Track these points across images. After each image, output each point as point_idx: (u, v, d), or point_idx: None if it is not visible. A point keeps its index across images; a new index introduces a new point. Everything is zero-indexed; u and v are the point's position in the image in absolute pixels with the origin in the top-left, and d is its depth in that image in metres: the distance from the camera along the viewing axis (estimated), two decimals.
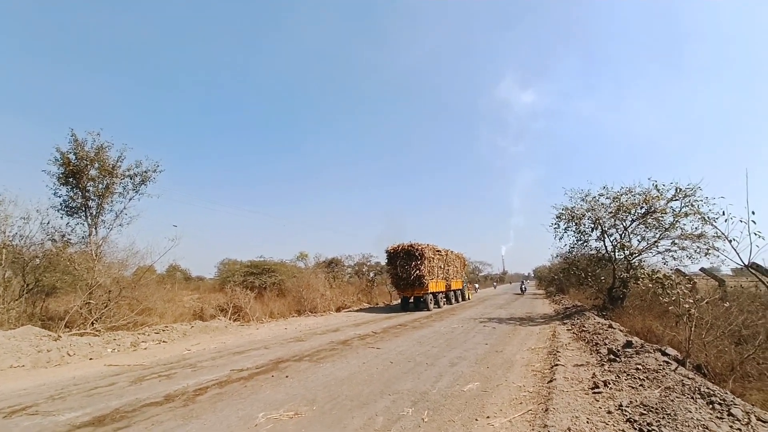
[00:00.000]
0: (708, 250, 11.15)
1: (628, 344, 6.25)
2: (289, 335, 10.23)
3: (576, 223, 13.82)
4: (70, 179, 10.87)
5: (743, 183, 5.89)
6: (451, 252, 21.71)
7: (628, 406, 3.58)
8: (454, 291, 21.98)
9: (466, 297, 25.29)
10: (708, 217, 10.22)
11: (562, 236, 14.26)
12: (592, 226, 13.44)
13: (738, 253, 6.75)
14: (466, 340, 8.79)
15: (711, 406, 3.43)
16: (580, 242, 14.21)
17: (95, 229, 11.29)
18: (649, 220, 12.19)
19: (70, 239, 11.02)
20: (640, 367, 4.90)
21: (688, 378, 4.27)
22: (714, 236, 10.63)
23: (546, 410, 3.69)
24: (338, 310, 18.29)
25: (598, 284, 14.98)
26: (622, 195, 12.61)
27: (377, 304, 22.87)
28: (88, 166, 10.88)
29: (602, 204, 13.13)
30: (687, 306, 5.74)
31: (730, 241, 6.91)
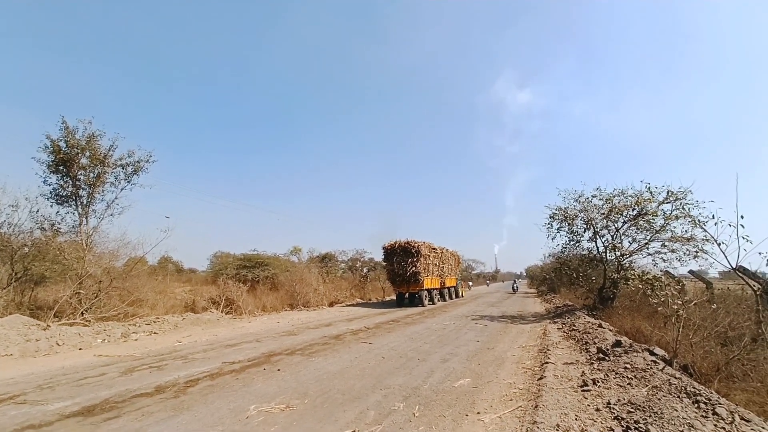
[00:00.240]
0: (697, 252, 11.32)
1: (617, 344, 6.34)
2: (281, 329, 10.22)
3: (569, 224, 13.94)
4: (61, 167, 10.69)
5: (734, 187, 5.98)
6: (446, 250, 21.96)
7: (616, 404, 3.64)
8: (448, 288, 22.25)
9: (460, 294, 25.59)
10: (698, 220, 10.37)
11: (555, 236, 14.42)
12: (585, 226, 13.57)
13: (726, 256, 6.87)
14: (458, 336, 8.85)
15: (696, 405, 3.50)
16: (572, 242, 14.35)
17: (86, 218, 11.13)
18: (641, 222, 12.34)
19: (59, 228, 10.86)
20: (628, 366, 4.98)
21: (675, 377, 4.35)
22: (703, 239, 10.80)
23: (536, 407, 3.74)
24: (331, 304, 18.31)
25: (588, 284, 15.15)
26: (614, 197, 12.74)
27: (370, 299, 22.92)
28: (79, 155, 10.70)
29: (595, 205, 13.26)
30: (675, 307, 5.83)
31: (719, 245, 7.03)
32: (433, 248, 19.60)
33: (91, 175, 11.02)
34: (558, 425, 3.22)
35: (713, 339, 5.91)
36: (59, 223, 10.89)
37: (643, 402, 3.59)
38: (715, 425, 3.08)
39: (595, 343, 6.89)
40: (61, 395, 4.36)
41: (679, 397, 3.71)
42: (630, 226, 12.67)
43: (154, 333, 9.04)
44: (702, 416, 3.25)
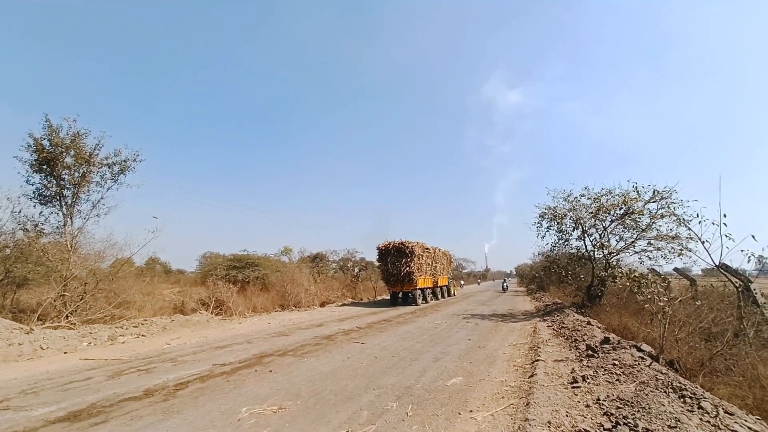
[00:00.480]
0: (681, 250, 11.58)
1: (606, 340, 6.45)
2: (272, 330, 10.14)
3: (558, 223, 14.14)
4: (44, 166, 10.40)
5: (717, 187, 6.14)
6: (439, 250, 22.24)
7: (605, 400, 3.70)
8: (441, 287, 22.62)
9: (452, 293, 25.91)
10: (683, 219, 10.61)
11: (545, 235, 14.62)
12: (573, 225, 13.77)
13: (710, 254, 7.06)
14: (450, 335, 8.90)
15: (682, 399, 3.58)
16: (561, 241, 14.56)
17: (70, 218, 10.86)
18: (627, 221, 12.58)
19: (43, 229, 10.58)
20: (616, 362, 5.07)
21: (662, 373, 4.45)
22: (688, 237, 11.06)
23: (527, 404, 3.78)
24: (322, 305, 18.23)
25: (577, 282, 15.39)
26: (602, 196, 12.96)
27: (362, 299, 22.89)
28: (64, 153, 10.43)
29: (583, 204, 13.47)
30: (662, 304, 5.97)
31: (702, 243, 7.22)
32: (426, 248, 19.88)
33: (76, 174, 10.75)
34: (549, 422, 3.26)
35: (698, 335, 6.06)
36: (42, 224, 10.60)
37: (632, 397, 3.66)
38: (701, 419, 3.15)
39: (584, 341, 6.99)
40: (46, 400, 4.25)
41: (665, 392, 3.79)
42: (617, 225, 12.91)
43: (142, 335, 8.88)
44: (688, 410, 3.33)
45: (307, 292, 17.39)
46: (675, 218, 11.10)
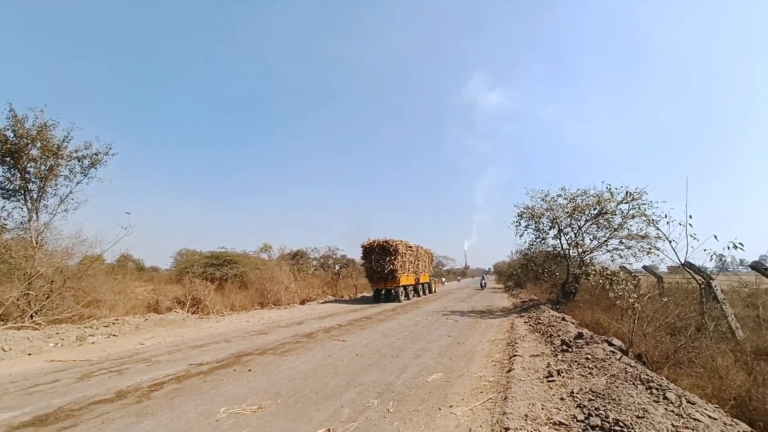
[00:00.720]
0: (650, 249, 12.13)
1: (579, 336, 6.70)
2: (251, 328, 9.98)
3: (536, 222, 14.53)
4: (7, 158, 9.82)
5: (684, 190, 6.46)
6: (421, 248, 22.78)
7: (578, 393, 3.85)
8: (422, 284, 23.20)
9: (433, 290, 26.49)
10: (652, 219, 11.12)
11: (523, 234, 14.99)
12: (550, 224, 14.19)
13: (676, 253, 7.44)
14: (430, 332, 9.01)
15: (649, 391, 3.77)
16: (538, 239, 14.97)
17: (36, 214, 10.32)
18: (601, 221, 13.06)
19: (5, 224, 10.01)
20: (589, 356, 5.28)
21: (631, 366, 4.66)
22: (656, 237, 11.59)
23: (505, 398, 3.89)
24: (303, 302, 18.06)
25: (553, 279, 15.88)
26: (578, 196, 13.39)
27: (342, 296, 22.82)
28: (29, 145, 9.88)
29: (560, 204, 13.89)
30: (632, 300, 6.24)
31: (670, 242, 7.59)
32: (409, 246, 20.39)
33: (43, 167, 10.21)
34: (526, 415, 3.37)
35: (664, 329, 6.37)
36: (5, 219, 10.05)
37: (603, 390, 3.82)
38: (666, 408, 3.33)
39: (559, 336, 7.23)
40: (9, 405, 4.04)
41: (634, 384, 3.98)
42: (591, 225, 13.38)
43: (114, 335, 8.55)
44: (654, 401, 3.51)
45: (287, 289, 17.19)
46: (645, 218, 11.62)
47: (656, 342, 5.90)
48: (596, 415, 3.22)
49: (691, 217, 7.00)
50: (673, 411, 3.27)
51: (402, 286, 18.90)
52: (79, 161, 10.79)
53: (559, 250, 14.40)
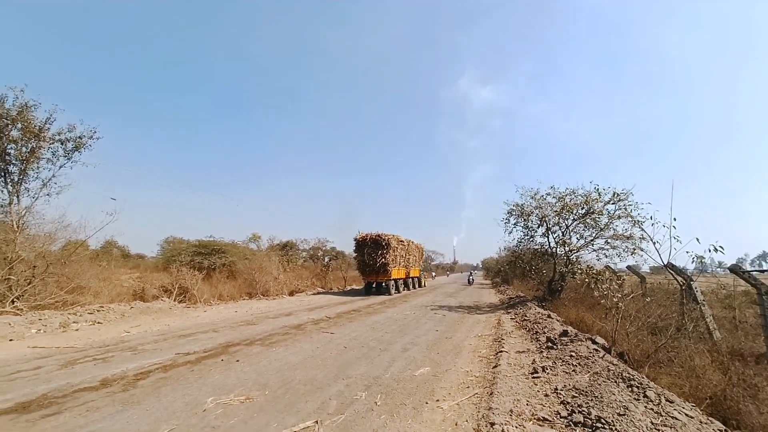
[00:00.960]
0: (635, 249, 12.40)
1: (564, 333, 6.84)
2: (239, 318, 9.93)
3: (525, 219, 14.68)
4: None
5: (669, 192, 6.61)
6: (412, 242, 23.06)
7: (562, 390, 3.94)
8: (412, 278, 23.54)
9: (422, 284, 26.83)
10: (637, 220, 11.35)
11: (512, 231, 15.14)
12: (539, 222, 14.36)
13: (660, 254, 7.63)
14: (418, 326, 9.09)
15: (630, 389, 3.89)
16: (527, 237, 15.14)
17: (17, 197, 10.01)
18: (588, 220, 13.26)
19: None
20: (573, 354, 5.40)
21: (613, 364, 4.79)
22: (640, 238, 11.84)
23: (491, 394, 3.96)
24: (291, 293, 18.03)
25: (539, 277, 16.13)
26: (566, 195, 13.56)
27: (331, 289, 22.85)
28: (9, 126, 9.55)
29: (549, 203, 14.05)
30: (616, 300, 6.39)
31: (654, 243, 7.78)
32: (401, 240, 20.61)
33: (24, 149, 9.89)
34: (512, 410, 3.44)
35: (645, 329, 6.56)
36: None
37: (586, 387, 3.92)
38: (646, 406, 3.43)
39: (544, 333, 7.37)
40: None
41: (616, 382, 4.09)
42: (579, 224, 13.58)
43: (98, 323, 8.42)
44: (635, 399, 3.62)
45: (276, 280, 17.12)
46: (630, 219, 11.84)
47: (638, 341, 6.07)
48: (579, 412, 3.31)
49: (675, 219, 7.18)
50: (652, 409, 3.38)
51: (393, 279, 19.22)
52: (62, 144, 10.50)
53: (546, 248, 14.61)
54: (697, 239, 6.89)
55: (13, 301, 8.31)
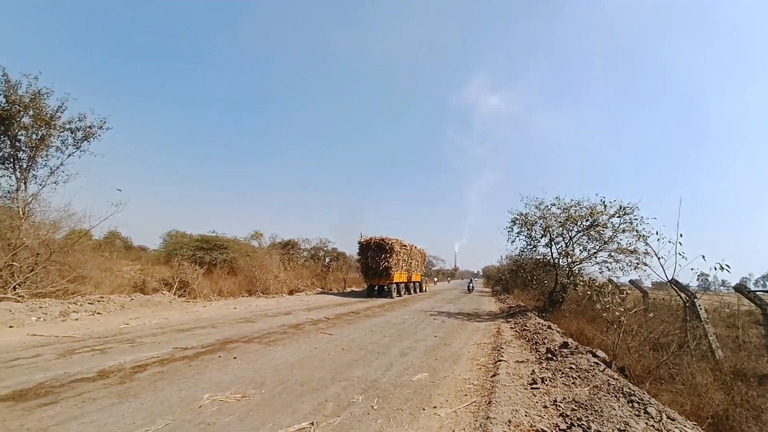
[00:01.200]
0: (638, 264, 12.30)
1: (564, 345, 6.77)
2: (238, 315, 9.92)
3: (528, 229, 14.61)
4: None
5: (677, 208, 6.55)
6: (415, 247, 23.23)
7: (562, 402, 3.89)
8: (414, 283, 23.76)
9: (424, 289, 26.99)
10: (642, 235, 11.28)
11: (515, 240, 15.07)
12: (542, 232, 14.28)
13: (664, 270, 7.55)
14: (417, 331, 9.04)
15: (631, 404, 3.83)
16: (529, 247, 15.06)
17: (24, 183, 10.11)
18: (592, 233, 13.18)
19: None
20: (573, 366, 5.34)
21: (614, 378, 4.73)
22: (645, 252, 11.75)
23: (489, 403, 3.91)
24: (291, 293, 18.02)
25: (541, 287, 16.03)
26: (571, 207, 13.49)
27: (331, 289, 22.83)
28: (21, 112, 9.66)
29: (553, 213, 13.98)
30: (618, 314, 6.33)
31: (659, 258, 7.70)
32: (404, 245, 20.83)
33: (34, 136, 10.00)
34: (510, 421, 3.40)
35: (647, 344, 6.49)
36: None
37: (586, 400, 3.87)
38: (647, 423, 3.38)
39: (544, 344, 7.30)
40: None
41: (616, 396, 4.04)
42: (582, 236, 13.50)
43: (98, 313, 8.44)
44: (635, 415, 3.56)
45: (276, 278, 17.14)
46: (635, 233, 11.76)
47: (639, 356, 6.00)
48: (578, 425, 3.26)
49: (681, 235, 7.11)
50: (653, 426, 3.33)
51: (395, 283, 19.54)
52: (72, 133, 10.60)
53: (549, 258, 14.52)
54: (703, 257, 6.82)
55: (14, 288, 8.34)
